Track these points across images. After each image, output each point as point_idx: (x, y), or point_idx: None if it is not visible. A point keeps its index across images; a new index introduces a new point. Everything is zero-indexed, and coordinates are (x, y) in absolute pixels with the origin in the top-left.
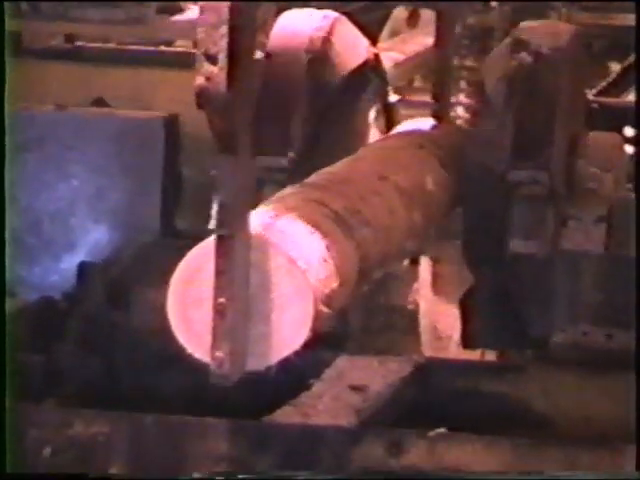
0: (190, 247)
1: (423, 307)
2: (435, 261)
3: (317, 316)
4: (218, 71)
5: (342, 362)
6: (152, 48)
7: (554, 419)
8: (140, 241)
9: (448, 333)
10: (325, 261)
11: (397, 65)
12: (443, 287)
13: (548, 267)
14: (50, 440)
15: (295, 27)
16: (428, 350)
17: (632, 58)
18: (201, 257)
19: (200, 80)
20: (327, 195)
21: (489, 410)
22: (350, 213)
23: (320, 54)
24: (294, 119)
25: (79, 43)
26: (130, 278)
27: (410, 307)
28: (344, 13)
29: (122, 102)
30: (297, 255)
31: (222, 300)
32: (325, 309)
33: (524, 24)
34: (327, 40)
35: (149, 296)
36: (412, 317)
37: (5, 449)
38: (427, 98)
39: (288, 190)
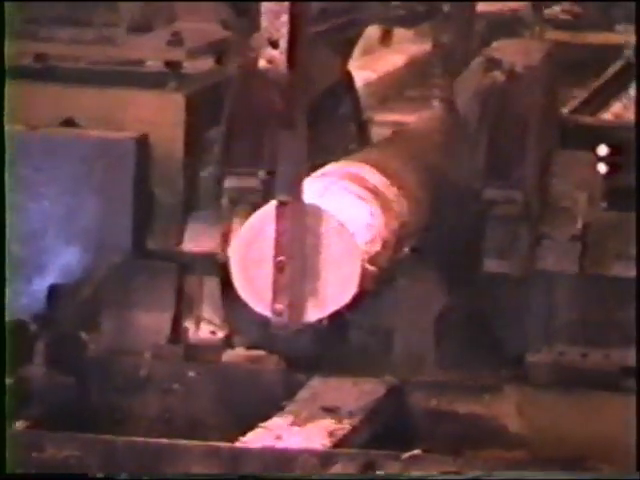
0: (161, 268)
1: (398, 327)
2: (410, 281)
3: (364, 274)
4: (279, 55)
5: (315, 383)
6: (122, 68)
7: (530, 439)
8: (111, 262)
9: (423, 353)
10: (369, 227)
11: (369, 84)
12: (418, 307)
13: (522, 286)
14: (22, 463)
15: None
16: (403, 371)
17: (605, 77)
18: (262, 221)
19: (263, 63)
20: (367, 171)
21: (464, 431)
22: (387, 187)
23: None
24: (267, 138)
25: (49, 63)
26: (101, 300)
27: (385, 327)
28: (317, 32)
29: (92, 122)
30: (346, 221)
31: (281, 258)
32: (371, 267)
33: (497, 43)
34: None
35: (120, 317)
36: (387, 337)
37: (5, 449)
38: (399, 117)
39: (330, 167)
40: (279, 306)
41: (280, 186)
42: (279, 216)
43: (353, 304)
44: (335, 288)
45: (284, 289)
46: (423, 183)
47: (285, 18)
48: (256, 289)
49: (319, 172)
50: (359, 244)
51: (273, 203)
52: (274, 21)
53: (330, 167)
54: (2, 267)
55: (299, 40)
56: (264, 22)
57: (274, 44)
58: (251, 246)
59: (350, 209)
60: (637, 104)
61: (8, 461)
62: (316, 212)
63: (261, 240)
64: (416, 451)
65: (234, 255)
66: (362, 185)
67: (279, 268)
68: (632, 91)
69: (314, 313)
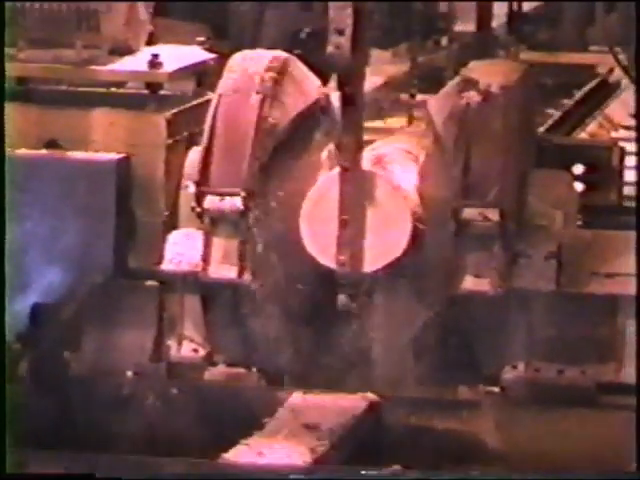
0: (143, 287)
1: (376, 344)
2: (388, 298)
3: (414, 230)
4: (345, 41)
5: (295, 400)
6: (104, 90)
7: (508, 455)
8: (93, 282)
9: (401, 370)
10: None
11: None
12: (396, 324)
13: (499, 304)
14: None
15: (247, 67)
16: (381, 387)
17: (580, 95)
18: (327, 184)
19: (330, 49)
20: (410, 146)
21: (443, 446)
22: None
23: (271, 94)
24: (246, 159)
25: (31, 85)
26: (83, 319)
27: (363, 344)
28: (296, 53)
29: (75, 144)
30: (398, 185)
31: (345, 216)
32: (420, 225)
33: (473, 63)
34: (278, 80)
35: (103, 336)
36: (366, 354)
37: (5, 449)
38: (375, 137)
39: (379, 142)
40: (342, 258)
41: (343, 154)
42: (342, 180)
43: (403, 257)
44: (389, 243)
45: (347, 243)
46: None
47: (350, 10)
48: (322, 244)
49: (369, 147)
50: (410, 205)
51: (337, 169)
52: (340, 12)
53: (379, 143)
54: (2, 275)
55: (361, 29)
56: (331, 14)
57: (340, 32)
58: (318, 206)
59: (401, 176)
60: (637, 107)
61: None
62: (373, 177)
63: (326, 201)
64: (396, 467)
65: (303, 214)
66: (408, 157)
67: (343, 225)
68: (608, 110)
69: (371, 264)
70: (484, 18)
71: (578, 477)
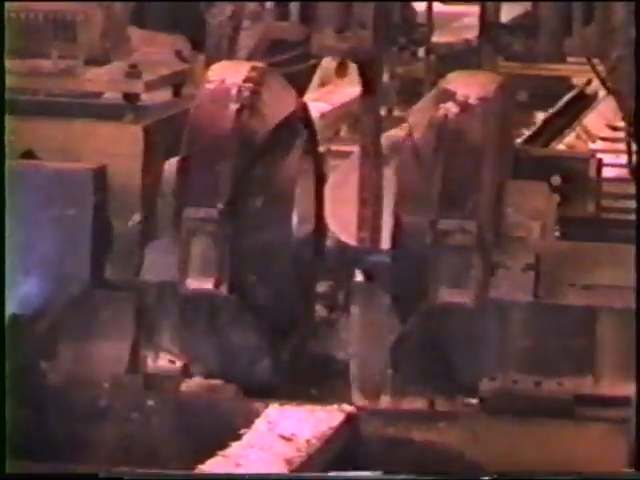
0: (119, 298)
1: (353, 356)
2: (365, 309)
3: None
4: (366, 34)
5: (272, 411)
6: (81, 100)
7: (485, 466)
8: (70, 292)
9: (378, 381)
10: None
11: (324, 115)
12: (373, 335)
13: (477, 315)
14: None
15: (224, 78)
16: (359, 399)
17: (557, 107)
18: (348, 166)
19: (354, 42)
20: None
21: (421, 458)
22: None
23: (249, 105)
24: (223, 169)
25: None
26: (60, 330)
27: (340, 356)
28: (273, 64)
29: (51, 154)
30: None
31: (365, 196)
32: None
33: (451, 74)
34: (256, 91)
35: (79, 347)
36: (342, 366)
37: (5, 449)
38: (354, 148)
39: (393, 132)
40: (362, 234)
41: (363, 138)
42: (362, 163)
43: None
44: None
45: (366, 221)
46: None
47: (372, 5)
48: (344, 222)
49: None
50: None
51: (357, 152)
52: (363, 7)
53: (392, 132)
54: (2, 268)
55: (381, 24)
56: (355, 10)
57: (362, 26)
58: (339, 188)
59: None
60: (636, 115)
61: None
62: (390, 159)
63: (348, 182)
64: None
65: (327, 196)
66: None
67: (363, 203)
68: (585, 121)
69: (388, 241)
70: (486, 24)
71: (578, 477)
